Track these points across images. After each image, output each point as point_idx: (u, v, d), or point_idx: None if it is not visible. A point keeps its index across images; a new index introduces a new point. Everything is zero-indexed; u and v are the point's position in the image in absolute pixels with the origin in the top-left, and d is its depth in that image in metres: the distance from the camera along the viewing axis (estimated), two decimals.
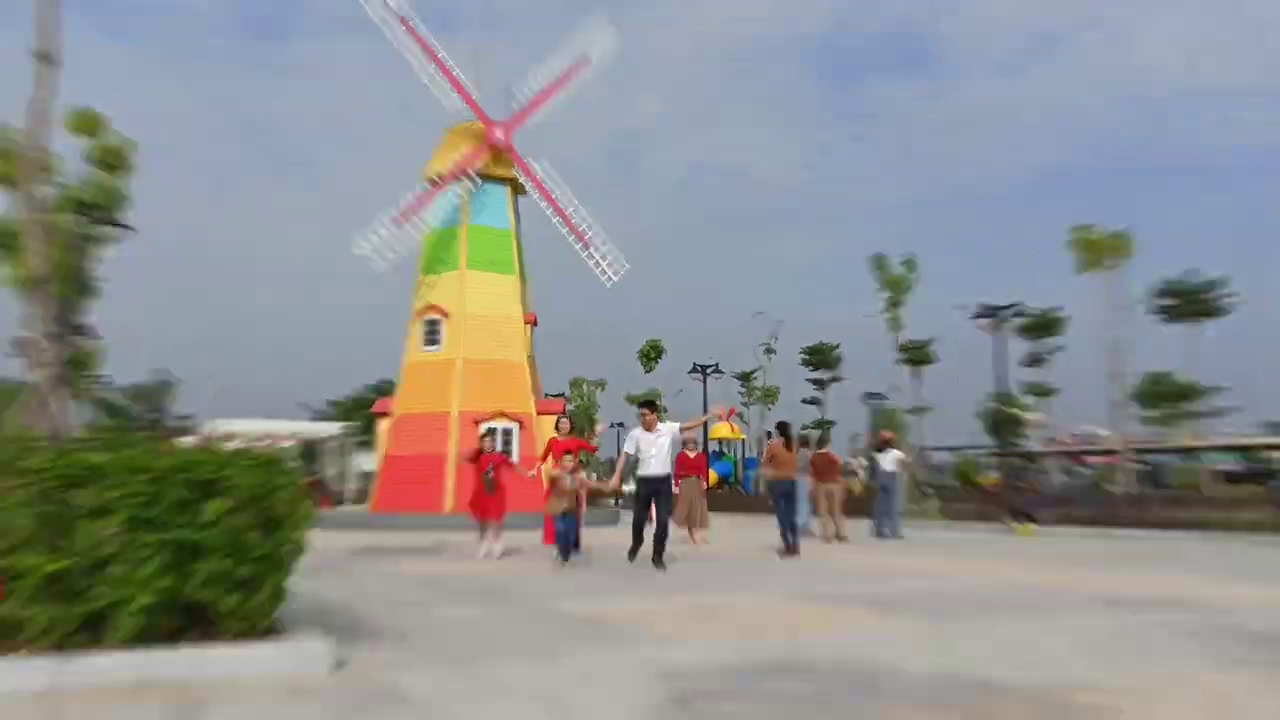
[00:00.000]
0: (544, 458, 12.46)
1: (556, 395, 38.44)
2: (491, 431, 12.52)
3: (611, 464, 21.48)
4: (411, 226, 24.09)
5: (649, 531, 10.65)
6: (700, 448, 17.90)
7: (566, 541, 10.64)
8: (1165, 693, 4.09)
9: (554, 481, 10.82)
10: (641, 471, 10.62)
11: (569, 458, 11.01)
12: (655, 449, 10.60)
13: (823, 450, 17.06)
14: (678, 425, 11.07)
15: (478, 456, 11.86)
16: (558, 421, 12.30)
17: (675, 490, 11.82)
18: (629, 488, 21.25)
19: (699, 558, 11.93)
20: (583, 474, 10.52)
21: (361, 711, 3.79)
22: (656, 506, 10.49)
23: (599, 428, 13.41)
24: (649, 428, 10.76)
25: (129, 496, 4.41)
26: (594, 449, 13.19)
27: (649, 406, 11.14)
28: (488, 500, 11.59)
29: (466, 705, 3.91)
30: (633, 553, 10.87)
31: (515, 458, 21.31)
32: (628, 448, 10.91)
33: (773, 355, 41.28)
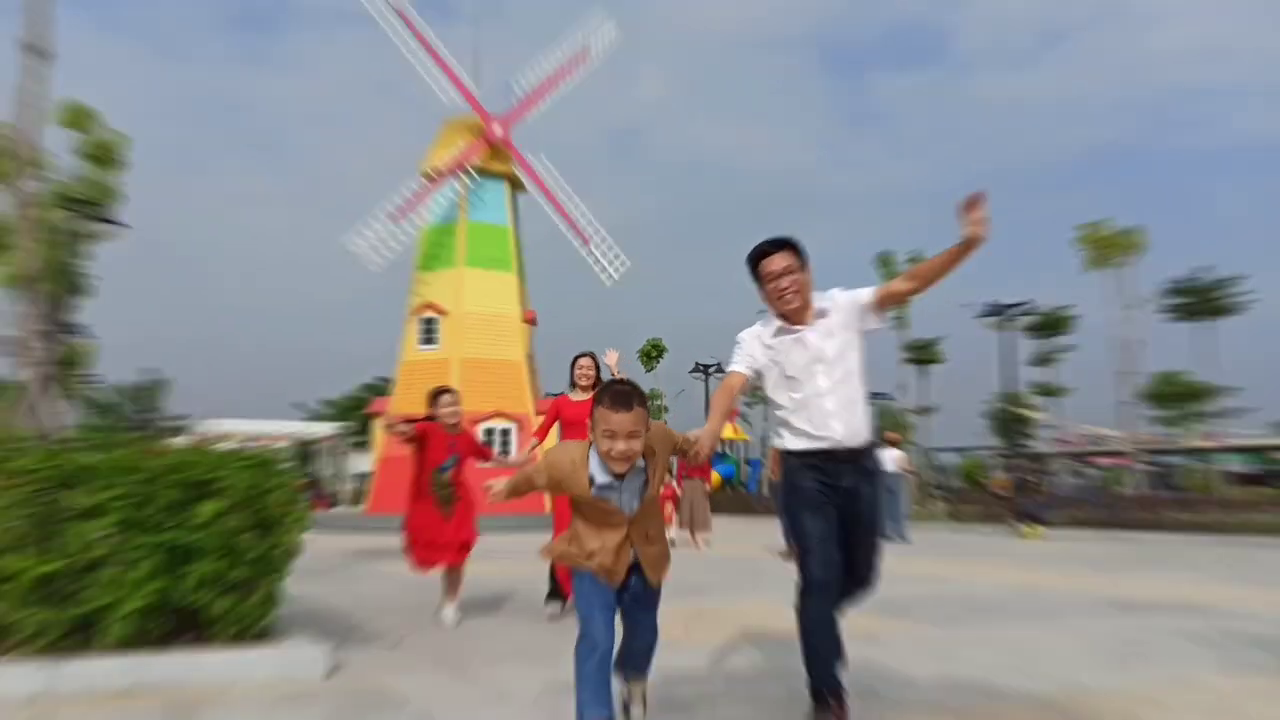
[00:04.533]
0: (543, 431, 7.20)
1: (557, 395, 38.42)
2: (450, 392, 6.69)
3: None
4: (408, 223, 24.13)
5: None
6: None
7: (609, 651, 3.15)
8: (1172, 698, 4.10)
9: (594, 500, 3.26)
10: (794, 442, 3.74)
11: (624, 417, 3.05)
12: (825, 366, 3.71)
13: None
14: (870, 289, 3.82)
15: (420, 436, 6.42)
16: (574, 361, 6.94)
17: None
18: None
19: (702, 561, 11.93)
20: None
21: (358, 717, 3.80)
22: (852, 529, 3.66)
23: (615, 356, 6.99)
24: (796, 316, 3.76)
25: (120, 498, 4.43)
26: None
27: (792, 249, 3.75)
28: (442, 525, 6.40)
29: (465, 711, 3.92)
30: (827, 649, 3.62)
31: (513, 454, 20.99)
32: (737, 364, 3.85)
33: None
